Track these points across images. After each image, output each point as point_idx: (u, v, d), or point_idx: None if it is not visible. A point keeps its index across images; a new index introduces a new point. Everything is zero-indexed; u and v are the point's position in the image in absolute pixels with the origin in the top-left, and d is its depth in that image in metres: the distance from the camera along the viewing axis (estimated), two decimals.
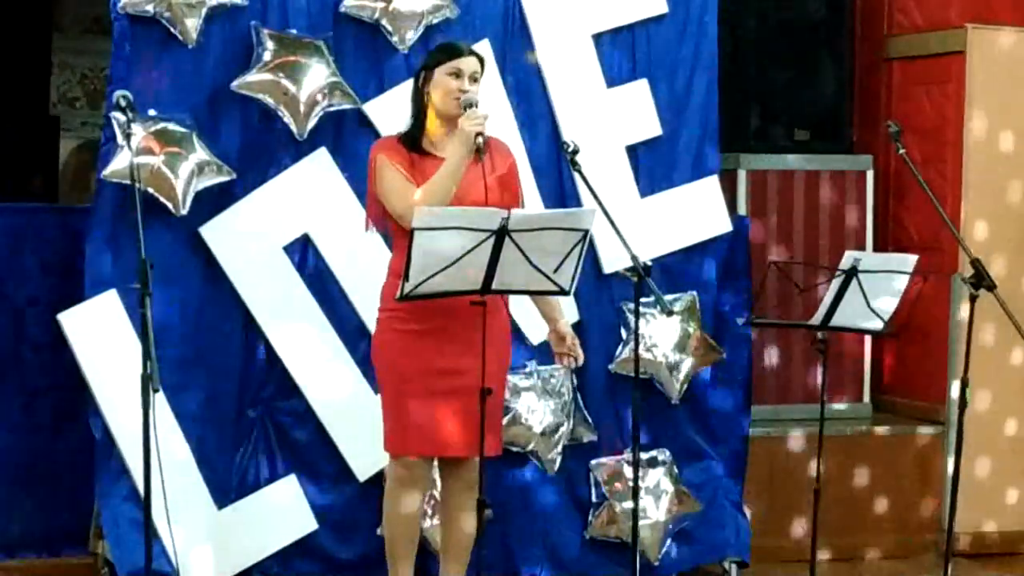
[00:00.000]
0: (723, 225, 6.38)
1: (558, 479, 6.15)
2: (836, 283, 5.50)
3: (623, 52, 6.23)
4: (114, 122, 5.51)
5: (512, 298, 5.41)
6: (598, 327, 6.19)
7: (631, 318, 5.82)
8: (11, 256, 5.87)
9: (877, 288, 5.49)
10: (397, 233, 5.21)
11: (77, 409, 5.76)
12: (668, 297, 5.98)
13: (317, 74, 5.75)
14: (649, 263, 5.24)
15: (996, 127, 6.95)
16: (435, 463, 5.41)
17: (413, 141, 5.23)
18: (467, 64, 5.20)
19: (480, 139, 5.00)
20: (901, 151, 5.71)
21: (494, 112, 5.61)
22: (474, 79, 5.19)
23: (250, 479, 5.85)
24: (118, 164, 5.57)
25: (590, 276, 6.04)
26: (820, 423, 5.72)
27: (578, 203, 6.03)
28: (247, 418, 5.86)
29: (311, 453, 5.89)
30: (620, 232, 5.11)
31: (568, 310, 6.08)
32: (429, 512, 5.75)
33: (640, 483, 5.68)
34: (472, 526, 5.24)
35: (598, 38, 6.20)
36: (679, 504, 6.24)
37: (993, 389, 6.86)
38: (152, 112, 5.63)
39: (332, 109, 5.81)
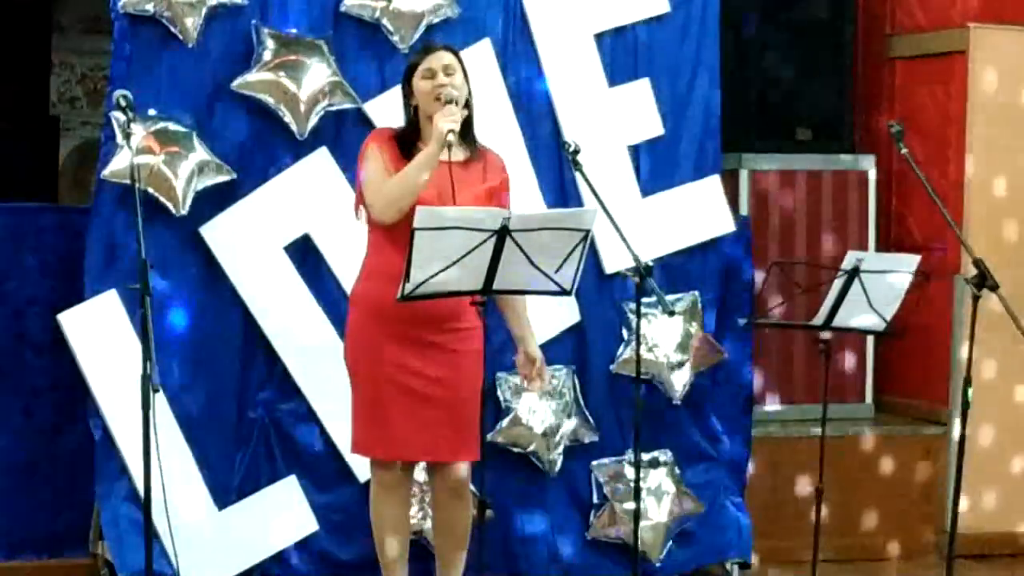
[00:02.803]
0: (725, 225, 6.37)
1: (559, 480, 6.14)
2: (838, 283, 5.49)
3: (625, 51, 6.22)
4: (114, 122, 5.50)
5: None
6: (599, 327, 6.18)
7: (633, 318, 5.81)
8: (11, 256, 5.86)
9: (879, 288, 5.48)
10: (373, 231, 5.18)
11: (77, 409, 5.75)
12: (670, 297, 5.98)
13: (318, 73, 5.75)
14: (651, 263, 5.24)
15: (999, 126, 6.93)
16: (415, 465, 5.41)
17: (406, 144, 5.20)
18: (436, 60, 5.16)
19: (451, 136, 4.97)
20: (903, 151, 5.70)
21: (495, 112, 5.61)
22: (448, 72, 5.15)
23: (250, 480, 5.84)
24: (118, 164, 5.57)
25: (591, 276, 6.03)
26: (822, 423, 5.70)
27: (579, 203, 6.02)
28: (247, 419, 5.85)
29: (311, 454, 5.89)
30: (621, 232, 5.10)
31: (569, 310, 6.08)
32: (429, 512, 5.73)
33: (641, 484, 5.67)
34: (463, 527, 5.24)
35: (600, 37, 6.19)
36: (681, 505, 6.23)
37: (996, 425, 6.84)
38: (152, 112, 5.62)
39: (333, 109, 5.80)
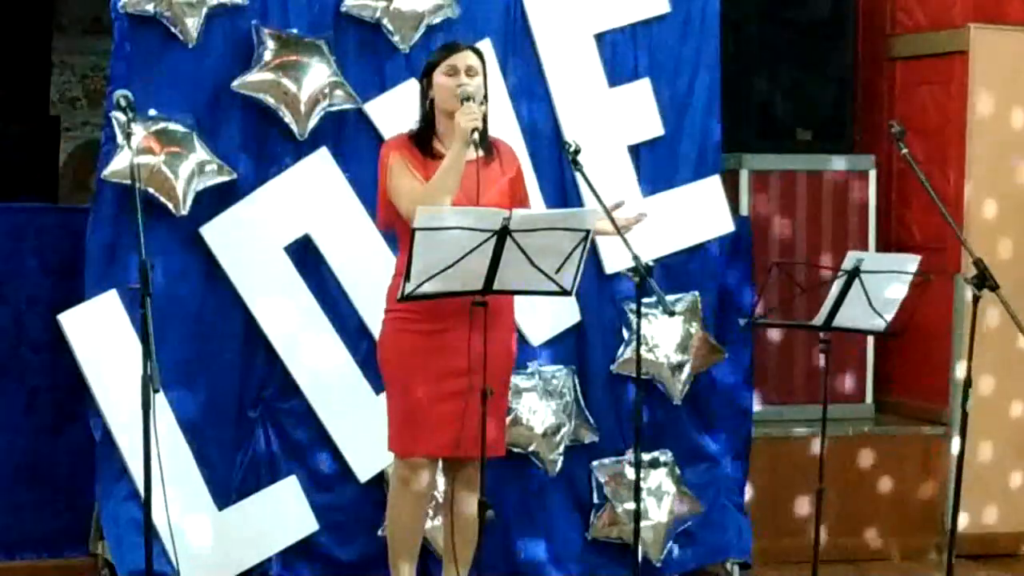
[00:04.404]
0: (725, 225, 6.37)
1: (559, 480, 6.14)
2: (839, 283, 5.49)
3: (625, 52, 6.22)
4: (114, 122, 5.51)
5: (513, 299, 5.39)
6: (600, 327, 6.18)
7: (633, 318, 5.81)
8: (11, 256, 5.86)
9: (880, 288, 5.48)
10: (404, 234, 5.19)
11: (77, 409, 5.75)
12: (670, 297, 5.98)
13: (318, 74, 5.75)
14: (651, 263, 5.24)
15: (998, 126, 6.93)
16: (439, 463, 5.40)
17: (424, 143, 5.21)
18: (461, 59, 5.17)
19: (475, 134, 4.98)
20: (904, 151, 5.70)
21: (495, 112, 5.61)
22: (471, 73, 5.16)
23: (251, 480, 5.84)
24: (118, 164, 5.56)
25: (592, 276, 6.03)
26: (823, 423, 5.70)
27: (579, 203, 6.02)
28: (248, 419, 5.85)
29: (312, 454, 5.89)
30: (622, 232, 5.10)
31: (569, 310, 6.08)
32: (431, 513, 5.73)
33: (642, 484, 5.67)
34: (475, 526, 5.23)
35: (600, 37, 6.19)
36: (681, 505, 6.23)
37: (998, 375, 6.83)
38: (152, 112, 5.62)
39: (333, 109, 5.80)
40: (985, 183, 6.92)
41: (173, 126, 5.63)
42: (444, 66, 5.17)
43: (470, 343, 5.04)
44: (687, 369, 6.25)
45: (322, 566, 5.90)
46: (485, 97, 5.22)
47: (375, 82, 5.90)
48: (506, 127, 5.93)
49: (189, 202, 5.64)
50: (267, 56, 5.72)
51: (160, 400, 5.17)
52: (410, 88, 5.64)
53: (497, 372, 5.10)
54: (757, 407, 6.63)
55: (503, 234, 4.75)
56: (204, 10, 5.66)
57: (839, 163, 7.11)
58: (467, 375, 5.07)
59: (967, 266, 6.01)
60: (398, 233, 5.27)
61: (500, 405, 5.22)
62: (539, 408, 6.04)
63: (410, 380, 5.15)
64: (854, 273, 5.45)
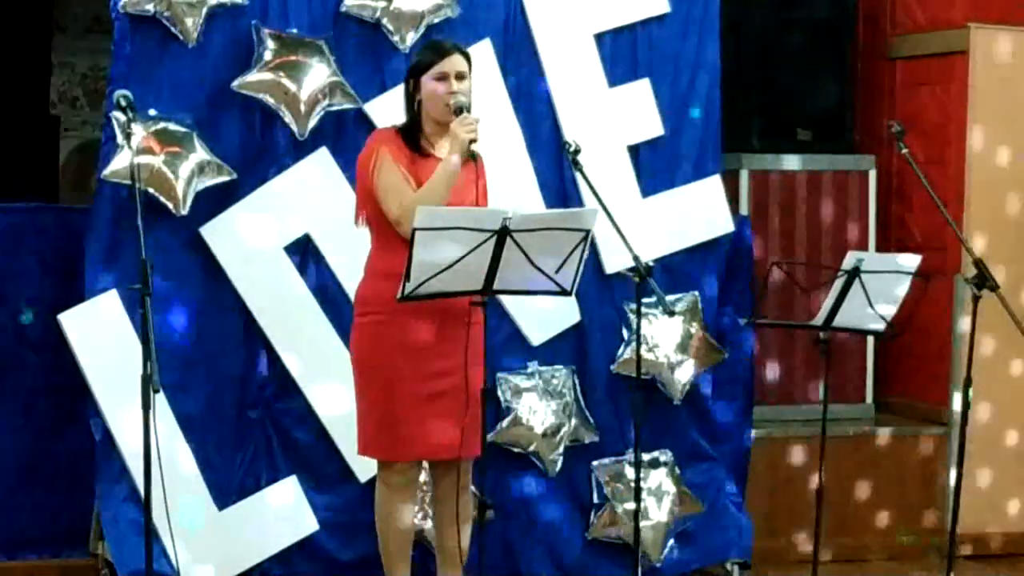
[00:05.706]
0: (725, 225, 6.37)
1: (559, 480, 6.14)
2: (839, 284, 5.50)
3: (625, 52, 6.22)
4: (114, 122, 5.50)
5: (512, 298, 5.40)
6: (600, 327, 6.18)
7: (633, 318, 5.81)
8: (11, 256, 5.86)
9: (880, 289, 5.48)
10: (382, 231, 5.17)
11: (77, 410, 5.75)
12: (670, 297, 5.98)
13: (318, 74, 5.75)
14: (651, 263, 5.25)
15: (999, 125, 6.93)
16: (423, 464, 5.40)
17: (412, 140, 5.21)
18: (451, 65, 5.15)
19: (474, 145, 4.97)
20: (904, 151, 5.70)
21: (495, 112, 5.61)
22: (460, 78, 5.15)
23: (251, 480, 5.84)
24: (118, 164, 5.56)
25: (592, 276, 6.03)
26: (822, 424, 5.70)
27: (579, 203, 6.02)
28: (248, 419, 5.85)
29: (312, 454, 5.89)
30: (622, 232, 5.11)
31: (569, 310, 6.08)
32: (429, 512, 5.74)
33: (642, 484, 5.67)
34: (467, 525, 5.23)
35: (600, 38, 6.19)
36: (681, 505, 6.23)
37: (993, 400, 6.84)
38: (152, 112, 5.62)
39: (333, 109, 5.80)
40: (984, 183, 6.94)
41: (173, 126, 5.63)
42: (434, 71, 5.15)
43: (446, 344, 5.06)
44: (687, 369, 6.25)
45: (322, 566, 5.90)
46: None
47: (375, 82, 5.90)
48: (506, 127, 5.93)
49: (189, 202, 5.64)
50: (267, 56, 5.72)
51: (160, 400, 5.16)
52: None
53: (476, 372, 5.10)
54: (757, 407, 6.63)
55: (503, 234, 4.75)
56: (204, 10, 5.66)
57: (839, 163, 7.12)
58: (449, 376, 5.07)
59: (967, 266, 6.01)
60: (374, 229, 5.22)
61: (478, 405, 5.17)
62: (539, 408, 6.04)
63: (392, 384, 5.13)
64: (854, 273, 5.45)
